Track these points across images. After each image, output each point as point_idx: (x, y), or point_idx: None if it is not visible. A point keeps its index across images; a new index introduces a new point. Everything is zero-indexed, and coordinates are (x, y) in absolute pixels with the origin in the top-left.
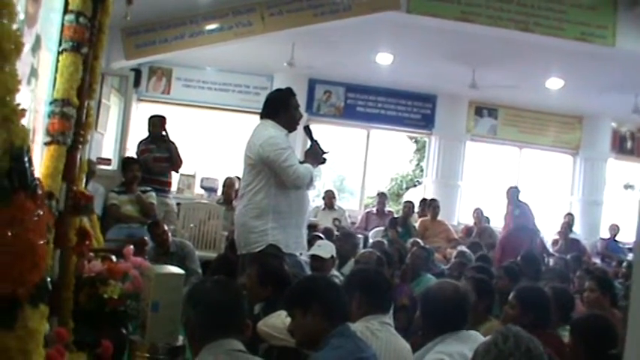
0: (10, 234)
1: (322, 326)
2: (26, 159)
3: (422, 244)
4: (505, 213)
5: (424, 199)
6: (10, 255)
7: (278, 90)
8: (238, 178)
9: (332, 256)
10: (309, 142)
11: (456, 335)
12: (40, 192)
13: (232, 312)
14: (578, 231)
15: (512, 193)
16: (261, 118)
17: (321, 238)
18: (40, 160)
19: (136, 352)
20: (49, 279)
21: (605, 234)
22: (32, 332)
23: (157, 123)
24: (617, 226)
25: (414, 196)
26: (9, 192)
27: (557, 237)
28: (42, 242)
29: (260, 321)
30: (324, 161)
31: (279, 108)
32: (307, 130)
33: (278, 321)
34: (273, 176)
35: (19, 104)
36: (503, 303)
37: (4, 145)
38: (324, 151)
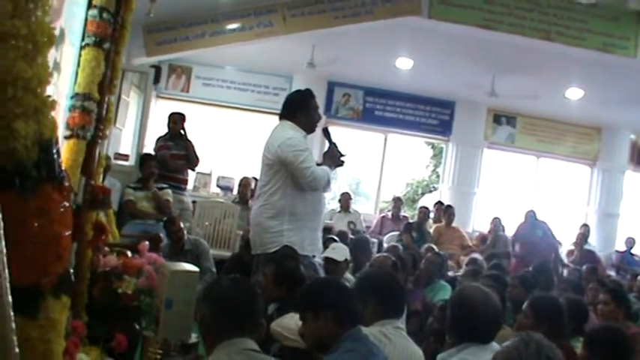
0: (35, 224)
1: (334, 330)
2: (54, 150)
3: (436, 250)
4: (518, 231)
5: (440, 202)
6: (35, 245)
7: (297, 91)
8: (255, 178)
9: (346, 259)
10: (327, 144)
11: (483, 345)
12: (66, 184)
13: (248, 311)
14: (593, 242)
15: (530, 216)
16: (280, 118)
17: (335, 240)
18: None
19: (149, 348)
20: (71, 270)
21: (621, 246)
22: (54, 322)
23: (177, 120)
24: (633, 239)
25: (430, 201)
26: (36, 182)
27: (572, 248)
28: (67, 233)
29: (273, 321)
30: (341, 164)
31: (298, 109)
32: (326, 133)
33: (292, 322)
34: (290, 177)
35: (49, 96)
36: (517, 312)
37: (33, 136)
38: (342, 153)
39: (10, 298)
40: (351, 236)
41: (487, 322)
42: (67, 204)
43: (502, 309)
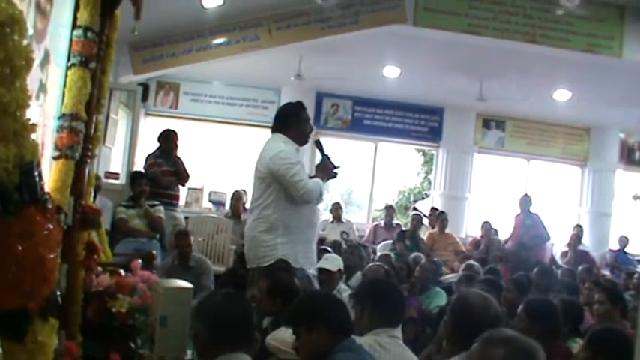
0: (20, 248)
1: (327, 342)
2: (36, 173)
3: (424, 258)
4: (514, 223)
5: (434, 209)
6: (21, 268)
7: (288, 104)
8: (245, 191)
9: (339, 269)
10: (318, 156)
11: None
12: (50, 206)
13: (241, 325)
14: (587, 243)
15: (525, 202)
16: (272, 132)
17: (328, 251)
18: (49, 175)
19: None
20: (58, 292)
21: (614, 245)
22: (42, 345)
23: (170, 137)
24: (626, 238)
25: (422, 209)
26: (19, 206)
27: (566, 249)
28: (52, 256)
29: (268, 335)
30: (334, 176)
31: (290, 122)
32: (318, 145)
33: (287, 335)
34: (282, 190)
35: (29, 119)
36: (511, 316)
37: (14, 160)
38: (335, 165)
39: None
40: (344, 246)
41: (489, 328)
42: (51, 226)
43: None
